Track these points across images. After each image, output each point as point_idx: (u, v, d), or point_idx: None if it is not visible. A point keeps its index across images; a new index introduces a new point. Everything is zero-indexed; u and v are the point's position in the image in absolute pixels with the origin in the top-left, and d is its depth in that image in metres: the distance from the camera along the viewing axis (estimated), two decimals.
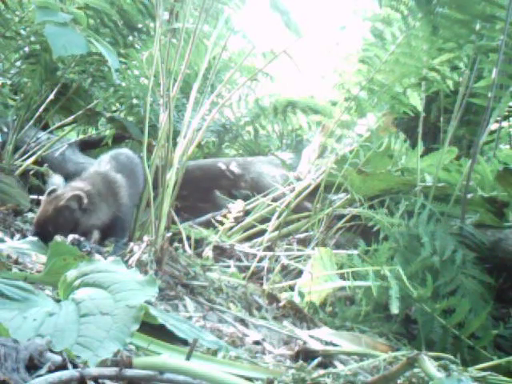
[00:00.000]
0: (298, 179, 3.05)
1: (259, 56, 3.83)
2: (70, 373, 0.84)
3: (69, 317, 1.09)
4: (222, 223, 2.87)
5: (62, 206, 2.17)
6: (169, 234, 2.02)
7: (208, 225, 3.03)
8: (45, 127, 3.80)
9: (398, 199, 2.67)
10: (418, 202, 2.53)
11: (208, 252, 2.53)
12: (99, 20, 3.37)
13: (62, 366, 0.86)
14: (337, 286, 2.14)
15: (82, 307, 1.12)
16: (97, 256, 1.82)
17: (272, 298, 2.07)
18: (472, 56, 2.55)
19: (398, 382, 1.14)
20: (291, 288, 2.24)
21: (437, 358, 1.28)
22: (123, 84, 3.65)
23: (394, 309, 1.92)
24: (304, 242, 2.74)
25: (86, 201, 2.20)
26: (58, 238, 2.08)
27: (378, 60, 2.66)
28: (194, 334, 1.32)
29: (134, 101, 3.69)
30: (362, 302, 2.14)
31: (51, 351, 0.88)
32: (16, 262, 1.63)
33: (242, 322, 1.77)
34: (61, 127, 4.01)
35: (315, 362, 1.45)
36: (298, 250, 2.65)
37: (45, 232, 2.08)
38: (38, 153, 3.48)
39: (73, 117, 3.74)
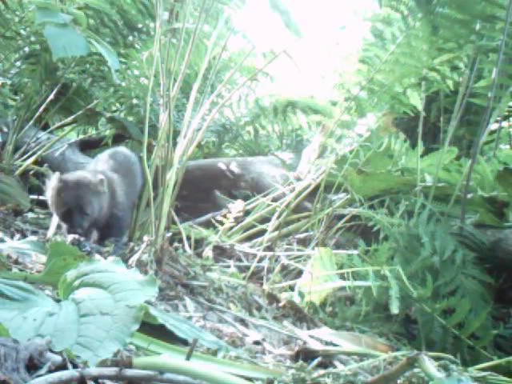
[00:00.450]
0: (298, 179, 3.05)
1: (259, 56, 3.83)
2: (70, 373, 0.84)
3: (69, 317, 1.09)
4: (221, 223, 2.87)
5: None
6: (169, 234, 2.02)
7: (208, 225, 3.03)
8: (45, 127, 3.80)
9: (398, 199, 2.67)
10: (418, 202, 2.53)
11: (208, 252, 2.53)
12: (99, 20, 3.37)
13: (62, 366, 0.86)
14: (337, 285, 2.14)
15: (81, 307, 1.12)
16: (97, 256, 1.82)
17: (272, 298, 2.07)
18: (472, 56, 2.55)
19: (398, 382, 1.14)
20: (291, 288, 2.24)
21: (437, 358, 1.28)
22: (123, 84, 3.65)
23: (394, 309, 1.92)
24: (304, 242, 2.74)
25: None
26: (58, 238, 2.08)
27: (378, 60, 2.66)
28: (193, 333, 1.32)
29: (134, 101, 3.69)
30: (362, 301, 2.14)
31: (51, 351, 0.88)
32: (16, 262, 1.63)
33: (242, 322, 1.77)
34: (61, 127, 4.01)
35: (315, 362, 1.45)
36: (298, 250, 2.65)
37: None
38: (38, 153, 3.48)
39: (73, 117, 3.74)
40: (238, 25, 2.89)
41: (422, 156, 2.73)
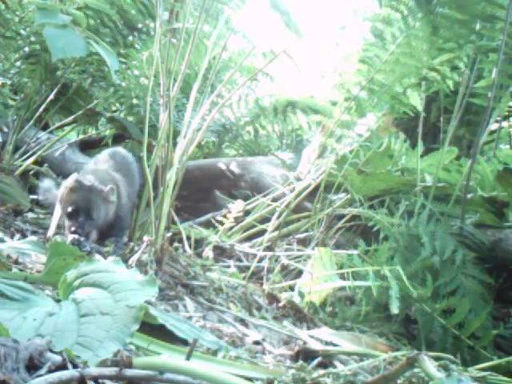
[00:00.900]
0: (298, 179, 3.05)
1: (259, 56, 3.83)
2: (70, 373, 0.84)
3: (69, 317, 1.09)
4: (222, 223, 2.87)
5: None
6: (169, 234, 2.02)
7: (208, 225, 3.03)
8: (45, 127, 3.80)
9: (398, 199, 2.66)
10: (418, 202, 2.53)
11: (208, 252, 2.53)
12: (99, 20, 3.37)
13: (62, 366, 0.86)
14: (337, 286, 2.14)
15: (82, 307, 1.12)
16: (97, 256, 1.82)
17: (272, 298, 2.07)
18: (472, 56, 2.55)
19: (398, 382, 1.14)
20: (291, 288, 2.24)
21: (437, 358, 1.28)
22: (123, 84, 3.65)
23: (394, 309, 1.92)
24: (304, 242, 2.74)
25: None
26: (58, 238, 2.08)
27: (378, 60, 2.66)
28: (194, 333, 1.32)
29: (134, 101, 3.69)
30: (362, 301, 2.14)
31: (51, 351, 0.88)
32: (16, 262, 1.63)
33: (242, 322, 1.77)
34: (61, 127, 4.01)
35: (315, 362, 1.45)
36: (298, 250, 2.64)
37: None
38: (38, 153, 3.48)
39: (73, 117, 3.74)
40: (237, 25, 2.89)
41: (422, 156, 2.72)
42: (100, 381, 0.90)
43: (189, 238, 2.67)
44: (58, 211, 2.42)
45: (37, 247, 1.83)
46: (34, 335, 1.01)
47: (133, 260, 1.83)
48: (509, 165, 2.48)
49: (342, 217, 2.73)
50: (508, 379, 1.23)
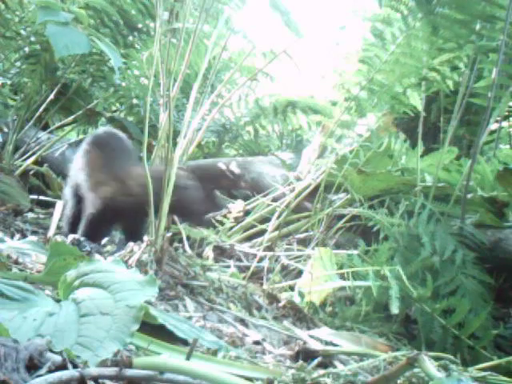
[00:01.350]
0: (298, 179, 3.05)
1: (259, 56, 3.83)
2: (69, 373, 0.84)
3: (69, 317, 1.09)
4: (222, 223, 2.87)
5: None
6: (169, 234, 2.02)
7: (208, 225, 3.03)
8: (45, 127, 3.80)
9: (398, 199, 2.66)
10: (418, 202, 2.53)
11: (208, 252, 2.53)
12: (99, 20, 3.38)
13: (62, 366, 0.86)
14: (337, 286, 2.13)
15: (82, 307, 1.12)
16: (97, 256, 1.82)
17: (272, 298, 2.07)
18: (472, 56, 2.55)
19: (398, 382, 1.14)
20: (291, 288, 2.24)
21: (437, 358, 1.28)
22: (123, 84, 3.65)
23: (394, 309, 1.92)
24: (304, 242, 2.74)
25: None
26: (58, 237, 2.08)
27: (377, 60, 2.65)
28: (194, 333, 1.32)
29: (134, 101, 3.69)
30: (361, 302, 2.14)
31: (51, 351, 0.88)
32: (16, 262, 1.63)
33: (242, 322, 1.76)
34: (61, 127, 4.01)
35: (315, 362, 1.44)
36: (298, 250, 2.64)
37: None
38: (38, 153, 3.48)
39: (73, 117, 3.74)
40: (237, 25, 2.90)
41: (422, 156, 2.72)
42: (100, 381, 0.90)
43: (189, 238, 2.67)
44: (58, 211, 2.43)
45: (37, 247, 1.83)
46: (33, 335, 1.01)
47: (133, 260, 1.83)
48: (509, 165, 2.48)
49: (342, 217, 2.73)
50: (508, 379, 1.23)
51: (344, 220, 2.71)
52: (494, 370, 1.36)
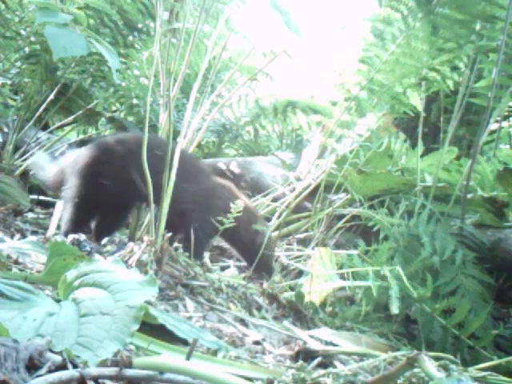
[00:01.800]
0: (298, 179, 3.05)
1: (259, 56, 3.83)
2: (69, 373, 0.84)
3: (69, 317, 1.09)
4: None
5: None
6: (169, 234, 2.01)
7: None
8: (45, 127, 3.80)
9: (398, 199, 2.66)
10: (418, 202, 2.53)
11: (205, 258, 2.51)
12: (99, 20, 3.38)
13: (62, 366, 0.86)
14: (337, 286, 2.13)
15: (82, 307, 1.12)
16: (97, 256, 1.82)
17: (272, 298, 2.07)
18: (472, 56, 2.55)
19: (398, 382, 1.14)
20: (291, 288, 2.24)
21: (437, 358, 1.28)
22: (123, 84, 3.65)
23: (394, 309, 1.92)
24: (304, 242, 2.74)
25: None
26: (59, 237, 2.08)
27: (378, 60, 2.66)
28: (194, 333, 1.32)
29: (134, 101, 3.69)
30: (362, 301, 2.14)
31: (51, 351, 0.88)
32: (16, 262, 1.63)
33: (242, 322, 1.76)
34: (61, 127, 4.01)
35: (315, 362, 1.45)
36: (298, 249, 2.64)
37: None
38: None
39: (73, 117, 3.74)
40: (237, 25, 2.89)
41: (422, 156, 2.73)
42: (100, 381, 0.90)
43: None
44: (57, 211, 2.42)
45: (37, 247, 1.83)
46: (33, 335, 1.01)
47: (133, 260, 1.83)
48: (509, 165, 2.48)
49: (341, 217, 2.73)
50: (508, 379, 1.24)
51: (344, 220, 2.71)
52: (494, 370, 1.36)
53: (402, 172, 2.76)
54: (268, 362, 1.41)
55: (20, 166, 3.36)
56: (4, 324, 0.95)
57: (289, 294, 2.12)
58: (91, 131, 4.38)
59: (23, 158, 3.52)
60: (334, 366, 1.44)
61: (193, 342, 1.08)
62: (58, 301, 1.21)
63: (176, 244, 2.01)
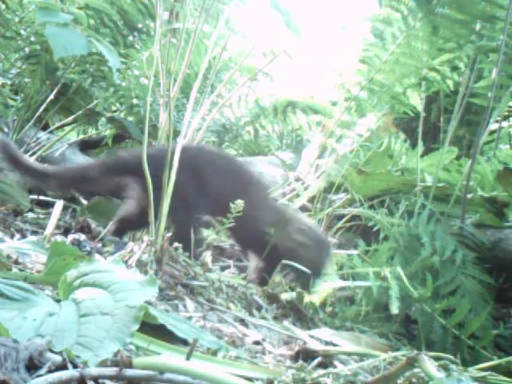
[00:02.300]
0: (298, 179, 3.05)
1: (259, 56, 3.83)
2: (70, 373, 0.84)
3: (69, 317, 1.09)
4: (222, 223, 2.86)
5: None
6: (169, 234, 2.01)
7: (208, 225, 3.02)
8: (45, 127, 3.79)
9: (398, 199, 2.67)
10: (418, 202, 2.53)
11: (206, 257, 2.51)
12: (99, 20, 3.38)
13: (62, 366, 0.86)
14: (337, 286, 2.14)
15: (82, 307, 1.12)
16: (97, 256, 1.82)
17: (272, 298, 2.07)
18: (472, 56, 2.55)
19: (398, 382, 1.14)
20: (291, 288, 2.24)
21: (437, 358, 1.28)
22: (123, 84, 3.65)
23: (394, 309, 1.92)
24: None
25: None
26: (59, 237, 2.08)
27: (378, 60, 2.66)
28: (194, 333, 1.32)
29: (134, 101, 3.68)
30: (361, 302, 2.14)
31: (51, 351, 0.88)
32: (16, 262, 1.63)
33: (242, 322, 1.76)
34: (61, 127, 4.01)
35: (315, 361, 1.44)
36: None
37: None
38: (38, 153, 3.48)
39: (73, 117, 3.74)
40: (237, 25, 2.89)
41: (422, 156, 2.73)
42: (100, 381, 0.90)
43: None
44: (57, 211, 2.42)
45: (37, 247, 1.83)
46: (33, 335, 1.01)
47: (133, 260, 1.83)
48: (509, 165, 2.48)
49: (341, 217, 2.73)
50: (508, 379, 1.23)
51: (344, 220, 2.71)
52: (494, 370, 1.36)
53: (402, 172, 2.76)
54: (268, 362, 1.41)
55: None
56: (4, 324, 0.95)
57: (289, 294, 2.12)
58: (91, 131, 4.38)
59: None
60: (334, 366, 1.44)
61: (193, 342, 1.08)
62: (58, 301, 1.21)
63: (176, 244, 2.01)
